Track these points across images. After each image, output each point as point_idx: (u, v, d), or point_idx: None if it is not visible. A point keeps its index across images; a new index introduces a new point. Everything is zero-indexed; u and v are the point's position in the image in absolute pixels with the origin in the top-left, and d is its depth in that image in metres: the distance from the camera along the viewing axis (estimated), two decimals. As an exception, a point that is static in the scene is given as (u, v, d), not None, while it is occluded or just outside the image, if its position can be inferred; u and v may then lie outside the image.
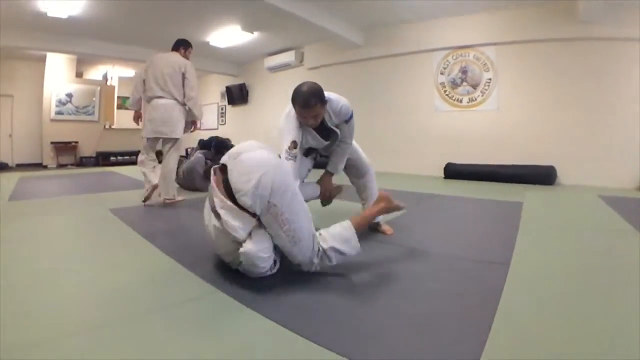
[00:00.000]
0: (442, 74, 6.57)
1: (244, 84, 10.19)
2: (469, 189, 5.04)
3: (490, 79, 6.08)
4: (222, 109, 11.27)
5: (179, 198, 3.86)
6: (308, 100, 2.10)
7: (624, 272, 2.04)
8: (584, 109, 5.40)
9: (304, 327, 1.36)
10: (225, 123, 11.18)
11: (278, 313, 1.47)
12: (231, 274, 1.89)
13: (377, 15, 6.39)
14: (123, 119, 10.68)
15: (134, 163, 9.49)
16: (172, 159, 3.75)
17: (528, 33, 5.68)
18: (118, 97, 10.79)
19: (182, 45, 3.92)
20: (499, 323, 1.43)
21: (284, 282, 1.80)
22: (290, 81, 8.80)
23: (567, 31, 5.39)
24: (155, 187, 3.71)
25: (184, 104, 3.75)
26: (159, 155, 3.90)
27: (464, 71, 6.33)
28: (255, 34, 7.37)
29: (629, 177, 5.07)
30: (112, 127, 10.61)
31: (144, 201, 3.72)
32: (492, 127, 6.06)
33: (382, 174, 5.65)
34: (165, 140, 3.76)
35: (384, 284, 1.83)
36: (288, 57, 8.52)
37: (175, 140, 3.74)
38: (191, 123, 4.00)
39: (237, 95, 10.38)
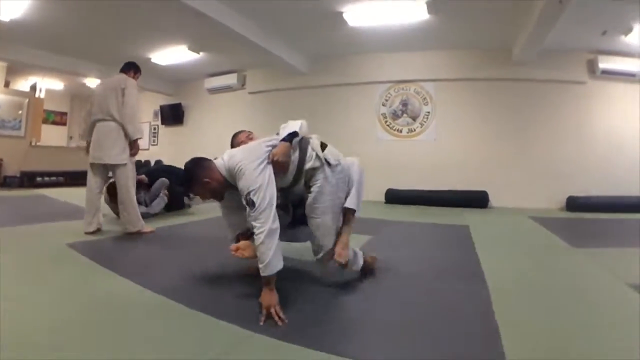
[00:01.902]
0: (384, 105, 6.98)
1: (180, 103, 9.80)
2: (414, 213, 5.35)
3: (429, 112, 6.61)
4: (154, 128, 10.68)
5: (147, 229, 3.51)
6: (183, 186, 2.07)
7: (582, 282, 2.43)
8: (513, 140, 6.22)
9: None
10: (157, 143, 10.58)
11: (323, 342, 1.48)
12: (251, 306, 1.78)
13: (323, 46, 6.63)
14: (50, 135, 9.70)
15: (62, 185, 8.64)
16: (123, 188, 3.40)
17: (465, 72, 6.40)
18: (43, 110, 9.74)
19: (132, 69, 3.70)
20: (506, 330, 1.59)
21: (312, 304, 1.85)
22: (231, 104, 8.76)
23: (501, 72, 6.21)
24: (92, 232, 3.37)
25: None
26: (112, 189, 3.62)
27: (404, 104, 6.80)
28: (201, 54, 7.23)
29: (553, 199, 5.92)
30: (38, 144, 9.52)
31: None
32: (430, 156, 6.54)
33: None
34: (110, 167, 3.42)
35: (388, 304, 1.93)
36: (230, 79, 8.41)
37: (118, 166, 3.37)
38: (132, 144, 3.47)
39: (172, 115, 9.94)
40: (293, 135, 1.99)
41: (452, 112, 6.51)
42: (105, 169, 3.45)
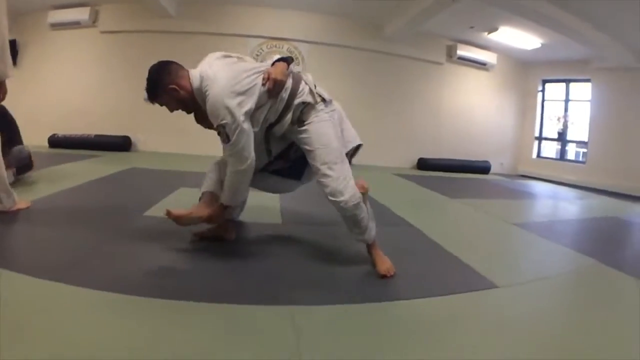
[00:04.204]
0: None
1: (14, 40, 7.99)
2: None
3: (299, 72, 6.39)
4: (-24, 68, 8.63)
5: (23, 204, 2.53)
6: (147, 92, 1.75)
7: (481, 223, 3.03)
8: (376, 105, 6.90)
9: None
10: (-21, 87, 8.56)
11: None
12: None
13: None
14: None
15: None
16: None
17: (338, 38, 6.71)
18: None
19: None
20: (473, 262, 1.97)
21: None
22: (78, 44, 7.40)
23: (371, 44, 6.80)
24: None
25: None
26: None
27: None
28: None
29: (406, 159, 6.91)
30: None
31: None
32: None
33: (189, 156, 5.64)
34: None
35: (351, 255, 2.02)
36: (80, 14, 7.04)
37: None
38: None
39: (2, 54, 8.13)
40: (288, 59, 1.79)
41: (322, 75, 6.35)
42: None
